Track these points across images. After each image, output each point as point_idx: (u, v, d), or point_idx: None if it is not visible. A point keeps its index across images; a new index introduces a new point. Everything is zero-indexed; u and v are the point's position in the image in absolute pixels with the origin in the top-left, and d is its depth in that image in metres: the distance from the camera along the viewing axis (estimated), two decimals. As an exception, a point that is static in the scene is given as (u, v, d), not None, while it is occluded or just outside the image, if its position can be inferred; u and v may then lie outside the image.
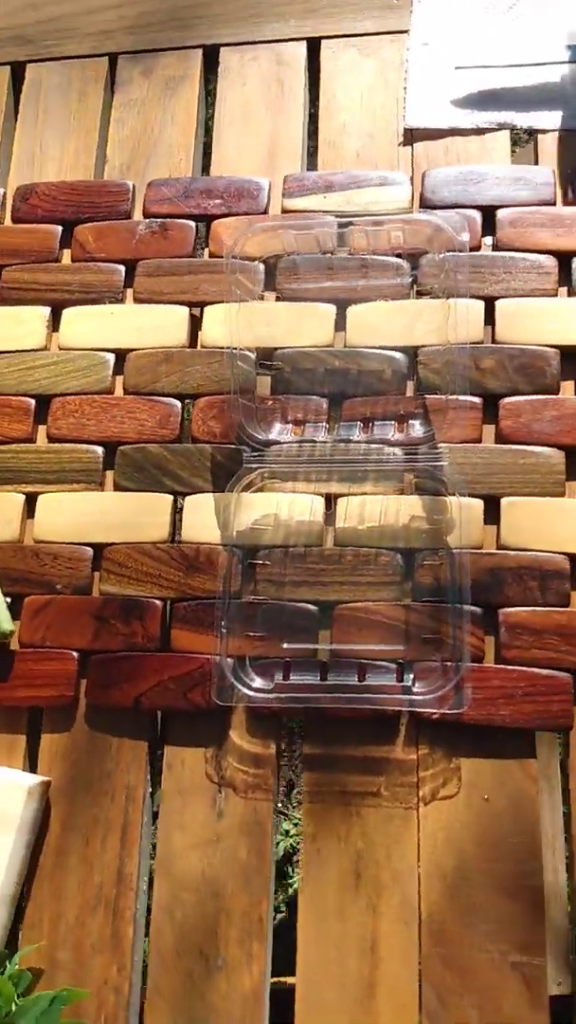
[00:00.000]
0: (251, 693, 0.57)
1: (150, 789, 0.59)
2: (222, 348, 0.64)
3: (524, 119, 0.68)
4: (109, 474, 0.64)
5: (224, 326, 0.63)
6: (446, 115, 0.68)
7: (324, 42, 0.74)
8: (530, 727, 0.55)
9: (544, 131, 0.67)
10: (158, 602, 0.60)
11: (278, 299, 0.65)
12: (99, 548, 0.62)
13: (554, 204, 0.66)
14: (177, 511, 0.63)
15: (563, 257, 0.64)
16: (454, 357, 0.60)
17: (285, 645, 0.58)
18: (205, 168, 0.72)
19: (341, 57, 0.73)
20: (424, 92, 0.69)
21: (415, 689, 0.56)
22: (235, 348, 0.62)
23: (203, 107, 0.74)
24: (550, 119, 0.67)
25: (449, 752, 0.56)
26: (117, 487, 0.63)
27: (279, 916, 1.18)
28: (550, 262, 0.64)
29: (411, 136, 0.69)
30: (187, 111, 0.73)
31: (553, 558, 0.58)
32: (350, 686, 0.56)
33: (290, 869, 1.27)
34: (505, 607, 0.57)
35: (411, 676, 0.57)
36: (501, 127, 0.68)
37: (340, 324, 0.65)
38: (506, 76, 0.69)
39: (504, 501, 0.59)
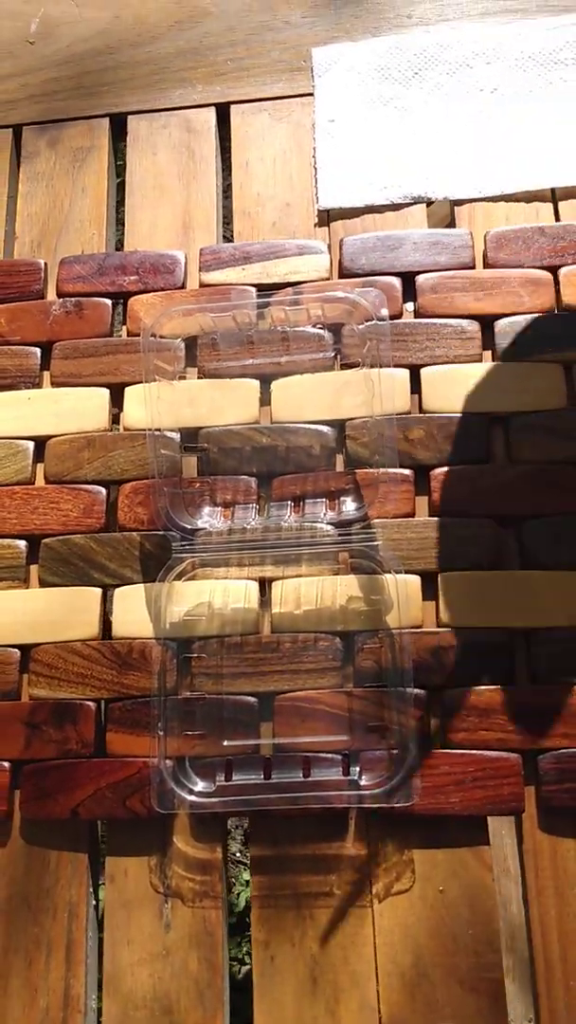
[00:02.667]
0: (193, 798, 0.54)
1: (94, 903, 0.56)
2: (144, 431, 0.62)
3: (439, 190, 0.67)
4: (33, 569, 0.61)
5: (145, 408, 0.61)
6: (359, 193, 0.67)
7: (233, 107, 0.72)
8: (482, 813, 0.54)
9: (460, 201, 0.67)
10: (91, 704, 0.58)
11: (200, 376, 0.63)
12: (26, 649, 0.59)
13: (473, 267, 0.65)
14: (107, 605, 0.60)
15: (485, 321, 0.63)
16: (381, 429, 0.59)
17: (226, 743, 0.56)
18: (119, 242, 0.70)
19: (252, 122, 0.71)
20: (335, 171, 0.68)
21: (362, 782, 0.54)
22: (157, 430, 0.60)
23: (114, 178, 0.72)
24: (465, 189, 0.67)
25: (400, 845, 0.54)
26: (42, 583, 0.60)
27: (243, 968, 1.15)
28: (472, 327, 0.63)
29: (327, 213, 0.68)
30: (97, 183, 0.71)
31: (493, 633, 0.56)
32: (295, 783, 0.54)
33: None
34: (449, 688, 0.56)
35: (357, 768, 0.55)
36: (416, 201, 0.67)
37: (265, 399, 0.63)
38: (419, 149, 0.68)
39: (441, 576, 0.58)
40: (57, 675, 0.58)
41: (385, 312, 0.58)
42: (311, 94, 0.71)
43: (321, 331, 0.62)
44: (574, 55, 0.69)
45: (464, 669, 0.56)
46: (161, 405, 0.61)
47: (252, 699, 0.57)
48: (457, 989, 0.52)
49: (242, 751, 0.56)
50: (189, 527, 0.58)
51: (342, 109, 0.70)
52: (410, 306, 0.65)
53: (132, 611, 0.59)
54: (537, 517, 0.58)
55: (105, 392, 0.64)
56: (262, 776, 0.55)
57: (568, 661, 0.56)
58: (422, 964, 0.52)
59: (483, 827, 0.54)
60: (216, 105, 0.72)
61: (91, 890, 0.56)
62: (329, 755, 0.55)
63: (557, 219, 0.66)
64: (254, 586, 0.59)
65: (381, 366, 0.59)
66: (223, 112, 0.72)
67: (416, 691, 0.56)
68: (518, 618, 0.57)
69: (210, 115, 0.72)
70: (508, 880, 0.68)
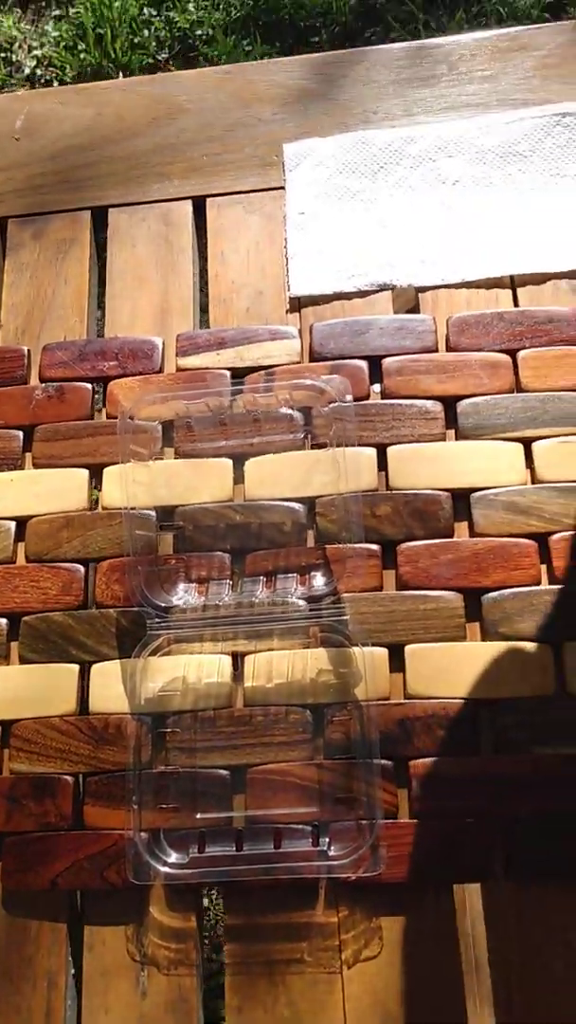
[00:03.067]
0: (167, 870, 0.56)
1: (73, 971, 0.58)
2: (121, 510, 0.64)
3: (404, 278, 0.70)
4: (14, 646, 0.63)
5: (121, 488, 0.64)
6: (328, 282, 0.71)
7: (209, 200, 0.76)
8: (448, 880, 0.56)
9: (424, 288, 0.70)
10: (69, 778, 0.60)
11: (176, 457, 0.66)
12: (7, 725, 0.61)
13: (436, 351, 0.68)
14: (84, 681, 0.62)
15: (448, 401, 0.66)
16: (348, 506, 0.62)
17: (199, 815, 0.58)
18: (99, 329, 0.74)
19: (227, 214, 0.75)
20: (305, 261, 0.72)
21: (331, 853, 0.56)
22: (133, 509, 0.63)
23: (95, 268, 0.76)
24: (428, 277, 0.70)
25: (369, 912, 0.56)
26: (23, 660, 0.63)
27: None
28: (436, 407, 0.66)
29: (298, 301, 0.71)
30: (79, 273, 0.75)
31: (458, 704, 0.59)
32: (267, 854, 0.56)
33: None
34: (415, 759, 0.58)
35: (327, 840, 0.56)
36: (382, 288, 0.70)
37: (239, 477, 0.66)
38: (384, 240, 0.72)
39: (407, 649, 0.60)
40: (36, 750, 0.60)
41: (349, 397, 0.61)
42: (283, 187, 0.75)
43: (291, 413, 0.65)
44: (531, 147, 0.74)
45: (430, 740, 0.58)
46: (138, 485, 0.64)
47: (225, 772, 0.59)
48: (426, 1058, 0.53)
49: (215, 823, 0.58)
50: (163, 605, 0.60)
51: (312, 202, 0.74)
52: (377, 387, 0.68)
53: (109, 687, 0.61)
54: (498, 590, 0.61)
55: (84, 473, 0.67)
56: (234, 848, 0.57)
57: (529, 730, 0.58)
58: (391, 1033, 0.54)
59: (449, 894, 0.56)
60: (193, 198, 0.76)
61: (70, 959, 0.57)
62: (299, 826, 0.57)
63: (515, 304, 0.70)
64: (227, 660, 0.61)
65: (347, 445, 0.63)
66: (199, 205, 0.76)
67: (383, 762, 0.58)
68: (481, 689, 0.59)
69: (187, 208, 0.76)
70: (474, 945, 0.69)
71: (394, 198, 0.74)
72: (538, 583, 0.61)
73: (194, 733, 0.60)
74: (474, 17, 2.05)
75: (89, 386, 0.70)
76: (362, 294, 0.71)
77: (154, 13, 2.20)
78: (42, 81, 2.16)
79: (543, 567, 0.62)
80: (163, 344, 0.71)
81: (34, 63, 2.18)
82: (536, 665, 0.59)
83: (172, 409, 0.64)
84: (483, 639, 0.60)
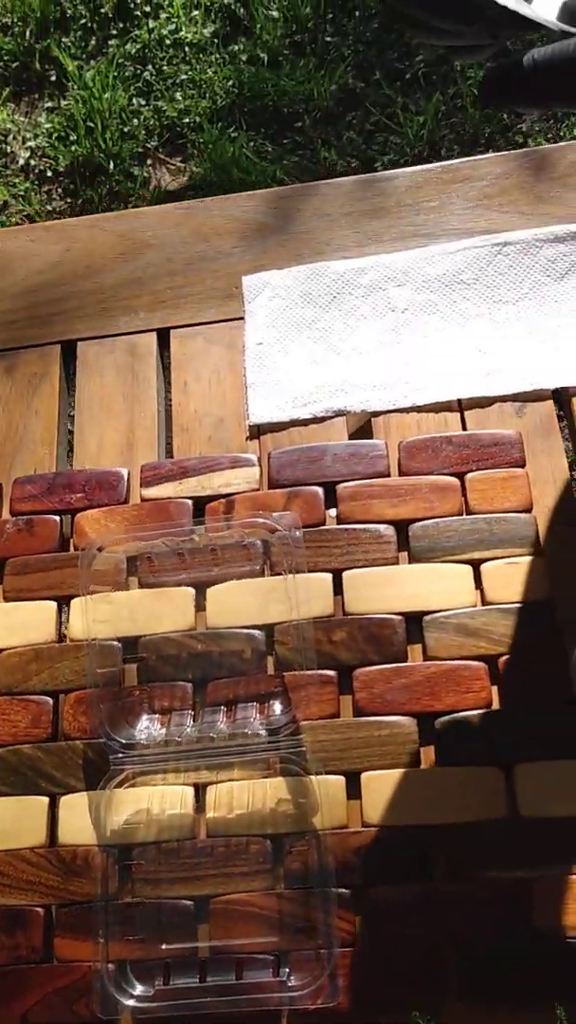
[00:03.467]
0: (133, 1003, 0.58)
1: None
2: (86, 642, 0.67)
3: (357, 404, 0.74)
4: (-13, 778, 0.66)
5: (82, 621, 0.67)
6: (285, 410, 0.74)
7: (173, 331, 0.80)
8: (404, 1008, 0.57)
9: (377, 413, 0.73)
10: (40, 910, 0.62)
11: (140, 587, 0.69)
12: (-20, 858, 0.63)
13: (388, 475, 0.71)
14: (54, 812, 0.64)
15: (400, 525, 0.69)
16: (302, 633, 0.64)
17: (164, 946, 0.60)
18: (69, 458, 0.77)
19: (189, 345, 0.79)
20: (263, 390, 0.75)
21: (291, 983, 0.57)
22: (95, 640, 0.65)
23: (65, 400, 0.80)
24: (380, 402, 0.74)
25: (329, 1045, 0.57)
26: (-6, 792, 0.65)
27: None
28: (389, 531, 0.69)
29: (257, 428, 0.74)
30: (49, 407, 0.78)
31: (412, 830, 0.60)
32: (229, 986, 0.58)
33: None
34: (371, 886, 0.60)
35: (287, 970, 0.58)
36: (337, 414, 0.74)
37: (200, 605, 0.68)
38: (338, 367, 0.75)
39: (363, 776, 0.62)
40: (8, 882, 0.62)
41: (298, 534, 0.64)
42: (242, 318, 0.79)
43: (247, 543, 0.68)
44: (474, 276, 0.77)
45: (385, 867, 0.60)
46: (102, 616, 0.67)
47: (189, 903, 0.61)
48: None
49: (179, 954, 0.59)
50: (125, 741, 0.63)
51: (269, 332, 0.77)
52: (332, 512, 0.71)
53: (77, 819, 0.64)
54: (451, 713, 0.63)
55: (53, 605, 0.70)
56: (198, 979, 0.58)
57: (481, 854, 0.59)
58: None
59: (407, 1019, 0.57)
60: (157, 330, 0.80)
61: None
62: (261, 956, 0.59)
63: (464, 427, 0.73)
64: (190, 791, 0.63)
65: (297, 572, 0.65)
66: (164, 336, 0.80)
67: (341, 891, 0.59)
68: (434, 815, 0.61)
69: (152, 339, 0.80)
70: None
71: (347, 326, 0.77)
72: (489, 705, 0.63)
73: (159, 864, 0.62)
74: (451, 99, 2.12)
75: (57, 519, 0.73)
76: (318, 420, 0.74)
77: (143, 103, 2.28)
78: (36, 171, 2.24)
79: (494, 688, 0.64)
80: (128, 475, 0.74)
81: (28, 154, 2.25)
82: (488, 789, 0.61)
83: (136, 547, 0.67)
84: (437, 764, 0.62)
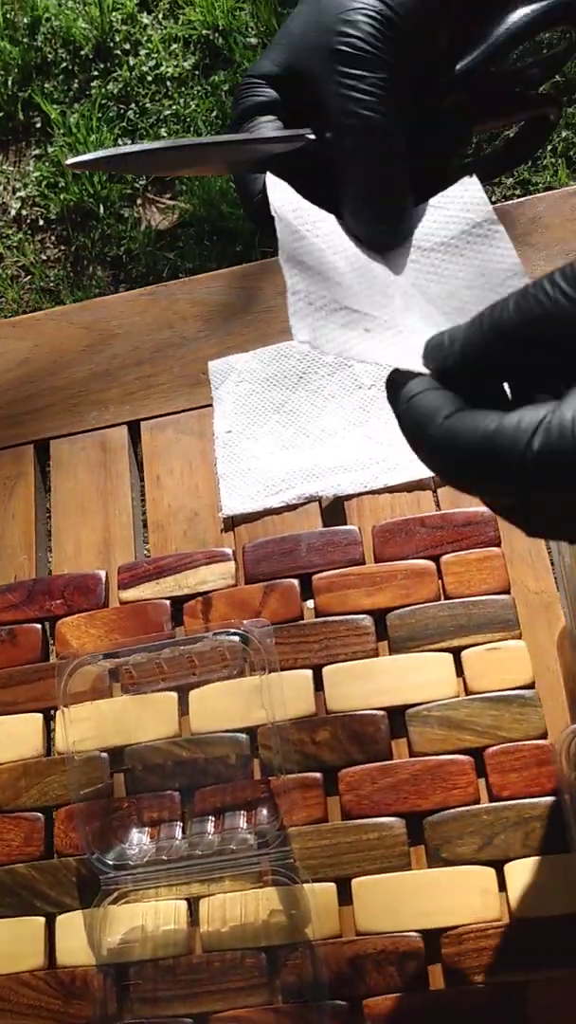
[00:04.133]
0: None
1: None
2: (72, 754, 0.67)
3: (328, 488, 0.73)
4: (-16, 900, 0.66)
5: (65, 734, 0.66)
6: (257, 499, 0.74)
7: (143, 423, 0.80)
8: None
9: (349, 496, 0.73)
10: (40, 1037, 0.62)
11: (124, 693, 0.69)
12: (-20, 984, 0.64)
13: (363, 562, 0.70)
14: (51, 932, 0.64)
15: (378, 614, 0.68)
16: (281, 735, 0.64)
17: (164, 1071, 0.59)
18: (48, 562, 0.77)
19: (159, 437, 0.79)
20: (234, 480, 0.75)
21: None
22: (75, 755, 0.65)
23: (42, 501, 0.80)
24: (351, 485, 0.73)
25: None
26: (-9, 916, 0.65)
27: None
28: (367, 621, 0.68)
29: (231, 520, 0.74)
30: (26, 510, 0.78)
31: (408, 938, 0.60)
32: None
33: None
34: (367, 997, 0.59)
35: None
36: (309, 500, 0.73)
37: (184, 709, 0.68)
38: (308, 450, 0.74)
39: (354, 883, 0.62)
40: (9, 1007, 0.63)
41: (271, 641, 0.64)
42: (211, 405, 0.78)
43: (223, 648, 0.68)
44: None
45: (381, 976, 0.59)
46: (86, 728, 0.67)
47: (188, 1020, 0.60)
48: None
49: (180, 1077, 0.59)
50: (114, 861, 0.63)
51: (238, 419, 0.77)
52: (310, 603, 0.70)
53: (73, 939, 0.64)
54: (438, 811, 0.62)
55: (39, 717, 0.70)
56: None
57: (477, 959, 0.59)
58: None
59: None
60: (128, 423, 0.80)
61: None
62: (261, 1078, 0.58)
63: (437, 507, 0.72)
64: (183, 905, 0.63)
65: (275, 670, 0.65)
66: (135, 428, 0.80)
67: (337, 1003, 0.59)
68: (428, 919, 0.60)
69: (123, 433, 0.80)
70: None
71: (315, 407, 0.76)
72: (476, 801, 0.62)
73: (156, 983, 0.62)
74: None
75: (39, 627, 0.73)
76: (290, 508, 0.74)
77: (128, 142, 2.28)
78: (28, 221, 2.25)
79: (481, 782, 0.63)
80: (107, 576, 0.74)
81: (19, 204, 2.27)
82: (480, 889, 0.60)
83: (111, 663, 0.67)
84: (428, 865, 0.61)
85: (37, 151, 2.37)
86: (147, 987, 0.61)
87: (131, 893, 0.63)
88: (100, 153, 0.39)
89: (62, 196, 2.23)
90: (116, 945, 0.63)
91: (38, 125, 2.39)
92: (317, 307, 0.42)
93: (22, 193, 2.30)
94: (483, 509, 0.70)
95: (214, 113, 2.27)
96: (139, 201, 2.22)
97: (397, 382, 0.36)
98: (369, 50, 0.40)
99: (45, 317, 0.86)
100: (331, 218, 0.46)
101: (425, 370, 0.36)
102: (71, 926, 0.64)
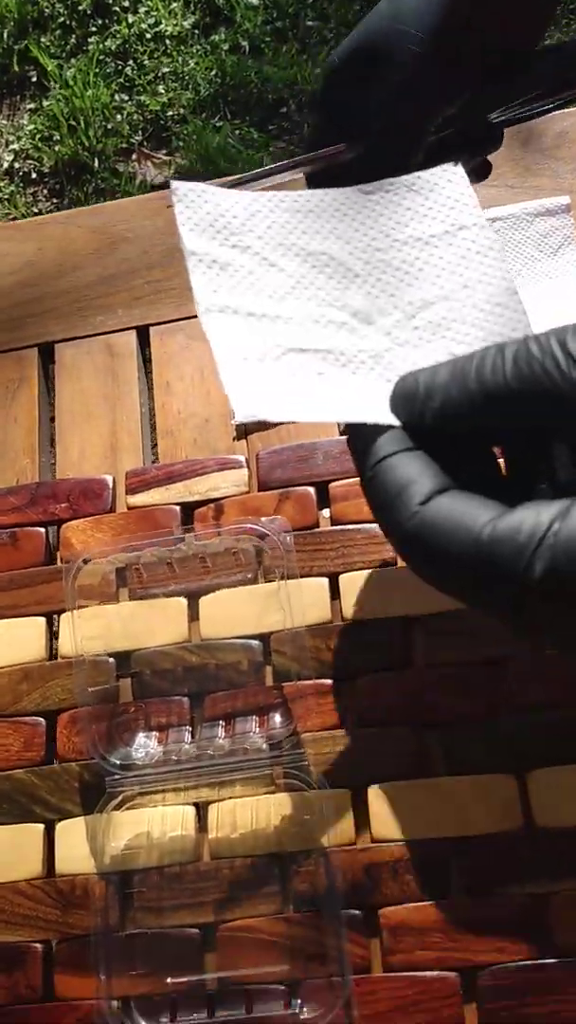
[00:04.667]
0: (138, 1043, 0.55)
1: None
2: (74, 658, 0.64)
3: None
4: (-21, 807, 0.63)
5: (73, 636, 0.63)
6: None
7: (152, 328, 0.76)
8: (424, 1038, 0.54)
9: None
10: (38, 946, 0.59)
11: (131, 599, 0.66)
12: (-26, 892, 0.61)
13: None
14: (50, 840, 0.61)
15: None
16: (299, 641, 0.61)
17: (169, 980, 0.57)
18: (52, 466, 0.74)
19: (169, 343, 0.75)
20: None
21: (303, 1015, 0.54)
22: (83, 657, 0.62)
23: (45, 406, 0.76)
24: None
25: (347, 1077, 0.54)
26: (-13, 823, 0.62)
27: None
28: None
29: (244, 428, 0.71)
30: (29, 413, 0.75)
31: (425, 846, 0.57)
32: (239, 1020, 0.55)
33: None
34: (384, 907, 0.56)
35: (299, 1001, 0.55)
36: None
37: (193, 615, 0.65)
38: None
39: (370, 790, 0.59)
40: (4, 917, 0.60)
41: (289, 539, 0.61)
42: (223, 310, 0.75)
43: (238, 551, 0.65)
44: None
45: (397, 886, 0.56)
46: (92, 631, 0.64)
47: (194, 931, 0.58)
48: None
49: (186, 988, 0.56)
50: (121, 761, 0.60)
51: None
52: (326, 512, 0.67)
53: (74, 846, 0.60)
54: (457, 721, 0.59)
55: (42, 621, 0.67)
56: (206, 1014, 0.55)
57: (500, 870, 0.56)
58: None
59: (427, 1053, 0.54)
60: (136, 328, 0.77)
61: None
62: (271, 987, 0.56)
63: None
64: (191, 811, 0.60)
65: (290, 578, 0.62)
66: (143, 334, 0.77)
67: (352, 912, 0.56)
68: (446, 828, 0.57)
69: (131, 338, 0.76)
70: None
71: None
72: (497, 716, 0.60)
73: (161, 891, 0.59)
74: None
75: (43, 530, 0.70)
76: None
77: (125, 98, 2.24)
78: (20, 174, 2.20)
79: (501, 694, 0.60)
80: (113, 481, 0.71)
81: (12, 157, 2.22)
82: (500, 798, 0.58)
83: (125, 557, 0.64)
84: (447, 773, 0.59)
85: (32, 104, 2.32)
86: (151, 896, 0.59)
87: (136, 798, 0.60)
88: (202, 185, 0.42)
89: (56, 149, 2.18)
90: (119, 852, 0.60)
91: (33, 79, 2.34)
92: (254, 362, 0.37)
93: (15, 146, 2.26)
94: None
95: (213, 72, 2.24)
96: (134, 156, 2.18)
97: (362, 432, 0.31)
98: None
99: (51, 220, 0.82)
100: (267, 204, 0.42)
101: (395, 421, 0.30)
102: (72, 833, 0.61)
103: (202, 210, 0.40)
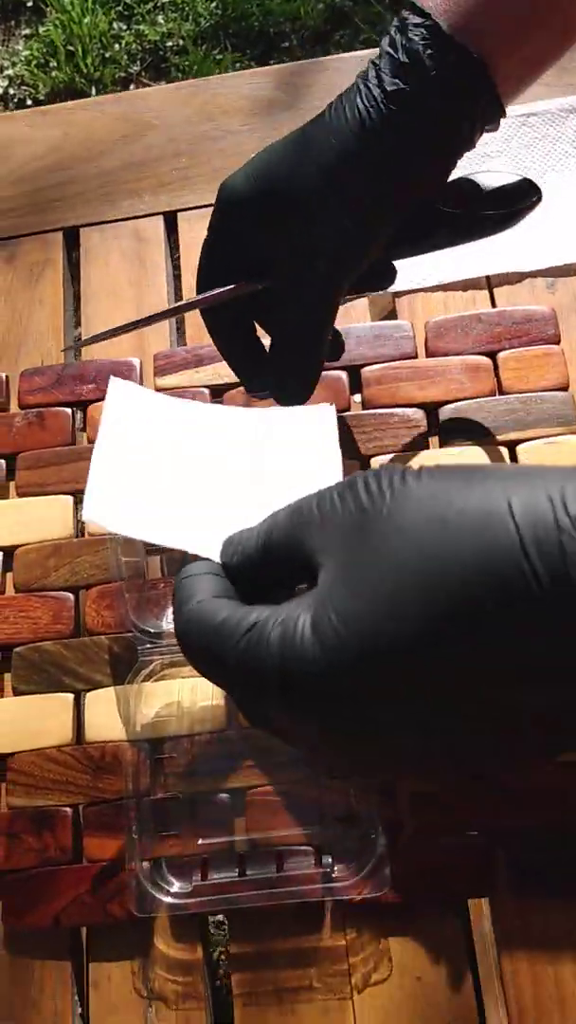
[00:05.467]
0: (170, 900, 0.55)
1: (79, 1011, 0.57)
2: (106, 535, 0.64)
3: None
4: (6, 677, 0.63)
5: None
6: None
7: (180, 215, 0.75)
8: (452, 898, 0.55)
9: (400, 293, 0.70)
10: (68, 810, 0.59)
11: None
12: (2, 758, 0.61)
13: (416, 357, 0.67)
14: (79, 710, 0.61)
15: (429, 408, 0.65)
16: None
17: (200, 841, 0.57)
18: (76, 351, 0.73)
19: (198, 229, 0.74)
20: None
21: (335, 874, 0.55)
22: (118, 535, 0.62)
23: (70, 289, 0.75)
24: (404, 281, 0.69)
25: (376, 934, 0.55)
26: (15, 692, 0.62)
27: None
28: (418, 415, 0.65)
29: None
30: (54, 295, 0.74)
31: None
32: (270, 878, 0.55)
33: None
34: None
35: (330, 860, 0.56)
36: (358, 295, 0.70)
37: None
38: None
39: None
40: (34, 783, 0.60)
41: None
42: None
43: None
44: (498, 148, 0.73)
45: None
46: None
47: (224, 796, 0.58)
48: (442, 1077, 0.52)
49: (217, 849, 0.57)
50: (154, 630, 0.60)
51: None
52: (358, 397, 0.67)
53: (104, 715, 0.61)
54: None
55: (68, 499, 0.66)
56: (237, 873, 0.56)
57: (529, 739, 0.57)
58: (406, 1053, 0.53)
59: (456, 911, 0.55)
60: (164, 214, 0.76)
61: (76, 998, 0.57)
62: (301, 847, 0.56)
63: (493, 305, 0.69)
64: (221, 682, 0.60)
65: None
66: (171, 220, 0.76)
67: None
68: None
69: (158, 224, 0.75)
70: (478, 961, 0.68)
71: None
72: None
73: (192, 758, 0.59)
74: (443, 13, 2.04)
75: (69, 411, 0.69)
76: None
77: (123, 27, 2.20)
78: (15, 100, 2.16)
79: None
80: (141, 364, 0.70)
81: (6, 83, 2.17)
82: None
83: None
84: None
85: (27, 30, 2.27)
86: (182, 762, 0.59)
87: (167, 669, 0.60)
88: (98, 333, 0.56)
89: (53, 75, 2.14)
90: (150, 720, 0.60)
91: (29, 4, 2.29)
92: (124, 486, 0.47)
93: (10, 72, 2.21)
94: (542, 307, 0.68)
95: (214, 3, 2.19)
96: (132, 86, 2.14)
97: (187, 559, 0.38)
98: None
99: (77, 107, 0.81)
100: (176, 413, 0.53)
101: (217, 559, 0.38)
102: (102, 702, 0.61)
103: (128, 408, 0.52)
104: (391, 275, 0.54)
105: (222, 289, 0.52)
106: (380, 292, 0.65)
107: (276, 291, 0.51)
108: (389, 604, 0.27)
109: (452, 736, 0.29)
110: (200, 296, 0.53)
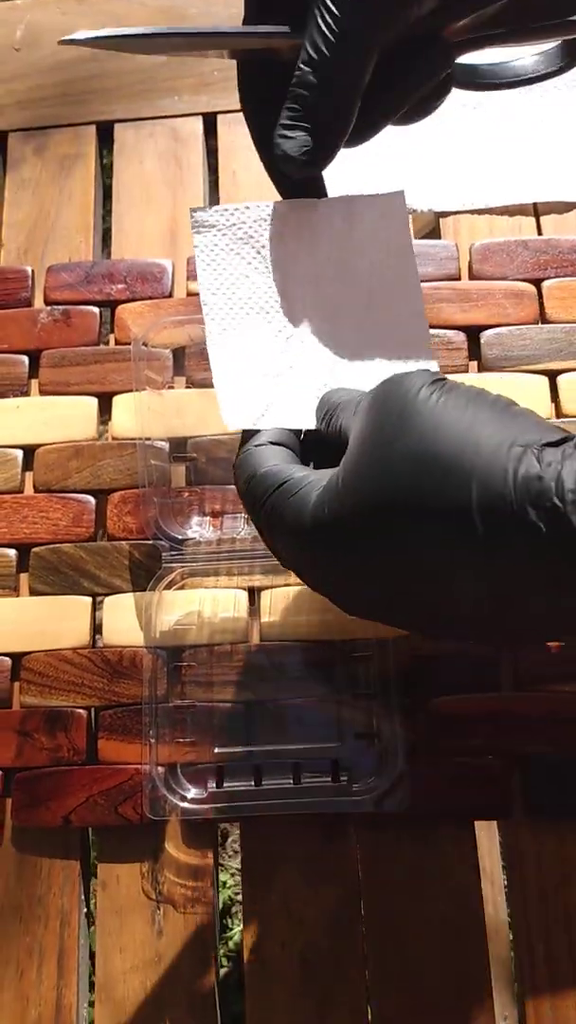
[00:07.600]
0: (185, 805, 0.55)
1: (85, 910, 0.57)
2: (133, 440, 0.62)
3: (424, 202, 0.68)
4: (23, 577, 0.61)
5: (134, 417, 0.62)
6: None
7: (220, 117, 0.73)
8: (468, 817, 0.55)
9: (444, 213, 0.68)
10: (83, 711, 0.58)
11: (188, 386, 0.64)
12: (17, 657, 0.60)
13: (459, 279, 0.66)
14: (96, 614, 0.60)
15: (471, 331, 0.64)
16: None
17: (217, 749, 0.57)
18: (106, 249, 0.71)
19: (238, 132, 0.72)
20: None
21: (352, 788, 0.55)
22: (146, 440, 0.60)
23: (100, 186, 0.73)
24: (449, 201, 0.68)
25: (389, 850, 0.55)
26: (32, 592, 0.61)
27: (223, 971, 1.16)
28: (459, 337, 0.64)
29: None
30: (84, 191, 0.71)
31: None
32: (286, 789, 0.55)
33: (230, 921, 1.26)
34: (436, 696, 0.57)
35: (346, 775, 0.55)
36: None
37: (253, 408, 0.63)
38: (402, 161, 0.69)
39: (429, 585, 0.59)
40: (48, 683, 0.59)
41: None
42: (297, 104, 0.71)
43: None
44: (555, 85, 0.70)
45: (451, 677, 0.57)
46: (150, 415, 0.62)
47: (242, 706, 0.57)
48: (448, 990, 0.53)
49: (233, 758, 0.56)
50: (179, 537, 0.59)
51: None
52: (397, 316, 0.65)
53: (122, 620, 0.60)
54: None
55: (93, 401, 0.64)
56: (252, 783, 0.56)
57: (552, 669, 0.57)
58: (411, 965, 0.53)
59: (469, 830, 0.55)
60: (203, 115, 0.73)
61: (83, 898, 0.56)
62: (320, 760, 0.56)
63: (539, 233, 0.67)
64: (243, 595, 0.59)
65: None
66: (210, 122, 0.73)
67: (404, 698, 0.57)
68: (504, 626, 0.58)
69: (197, 124, 0.73)
70: (486, 881, 0.69)
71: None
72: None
73: (210, 667, 0.58)
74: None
75: (96, 310, 0.67)
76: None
77: None
78: None
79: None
80: (173, 267, 0.68)
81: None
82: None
83: (186, 334, 0.61)
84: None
85: None
86: (201, 671, 0.58)
87: (189, 578, 0.59)
88: (99, 32, 0.41)
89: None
90: (170, 628, 0.59)
91: None
92: (252, 378, 0.47)
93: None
94: (591, 236, 0.66)
95: None
96: None
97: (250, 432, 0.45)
98: None
99: (115, -4, 0.77)
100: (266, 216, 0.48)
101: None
102: (120, 607, 0.60)
103: (218, 264, 0.47)
104: (445, 59, 0.45)
105: (262, 29, 0.44)
106: (435, 107, 0.55)
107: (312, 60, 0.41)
108: (392, 477, 0.34)
109: (424, 583, 0.35)
110: (235, 28, 0.45)
